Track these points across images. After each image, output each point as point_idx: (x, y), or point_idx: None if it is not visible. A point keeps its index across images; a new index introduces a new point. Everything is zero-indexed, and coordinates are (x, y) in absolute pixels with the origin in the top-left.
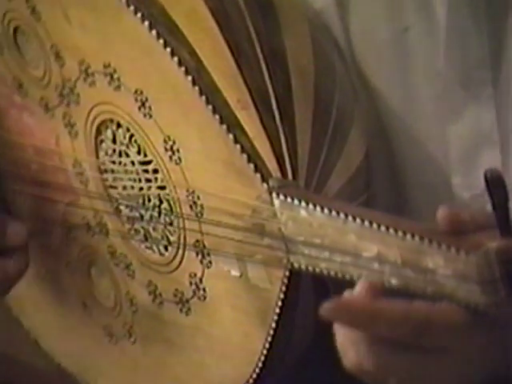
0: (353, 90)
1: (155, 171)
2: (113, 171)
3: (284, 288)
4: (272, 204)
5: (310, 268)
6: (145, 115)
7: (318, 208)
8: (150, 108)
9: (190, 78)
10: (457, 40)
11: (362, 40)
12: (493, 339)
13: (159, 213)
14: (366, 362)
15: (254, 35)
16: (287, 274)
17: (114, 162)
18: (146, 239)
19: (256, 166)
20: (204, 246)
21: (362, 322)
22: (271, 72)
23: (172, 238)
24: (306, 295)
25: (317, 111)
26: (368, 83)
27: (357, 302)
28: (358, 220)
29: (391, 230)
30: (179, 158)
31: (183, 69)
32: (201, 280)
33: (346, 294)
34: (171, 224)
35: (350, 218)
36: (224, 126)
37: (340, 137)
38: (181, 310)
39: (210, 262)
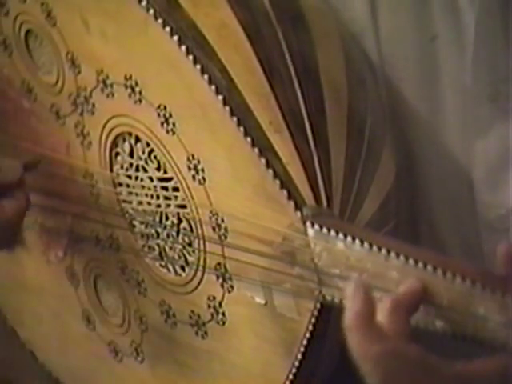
0: (382, 106)
1: (175, 189)
2: (128, 185)
3: (314, 320)
4: (305, 233)
5: (345, 303)
6: (168, 131)
7: (358, 241)
8: (173, 124)
9: (220, 97)
10: (484, 52)
11: (390, 49)
12: None
13: (177, 232)
14: None
15: (287, 50)
16: (318, 306)
17: (129, 177)
18: (162, 257)
19: (289, 193)
20: (226, 270)
21: None
22: (304, 91)
23: (190, 259)
24: (334, 328)
25: (350, 133)
26: (395, 95)
27: None
28: (401, 257)
29: (439, 271)
30: (203, 178)
31: (214, 87)
32: (220, 304)
33: None
34: (190, 244)
35: (392, 254)
36: (256, 149)
37: (373, 159)
38: (196, 333)
39: (232, 287)
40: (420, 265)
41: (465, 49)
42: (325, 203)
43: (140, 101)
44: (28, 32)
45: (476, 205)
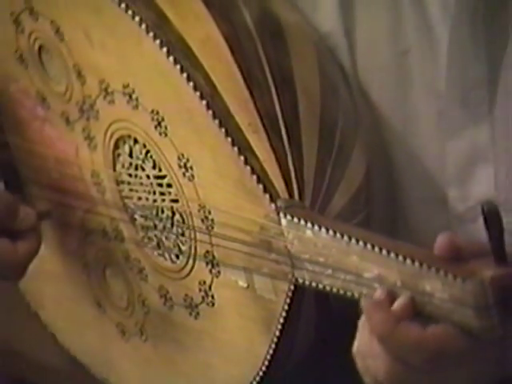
0: (355, 112)
1: (169, 185)
2: (129, 183)
3: (288, 300)
4: (279, 223)
5: (314, 284)
6: (160, 133)
7: (323, 229)
8: (165, 127)
9: (204, 102)
10: (457, 61)
11: (366, 61)
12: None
13: (172, 224)
14: (385, 378)
15: (265, 61)
16: (292, 287)
17: (130, 175)
18: (159, 247)
19: (265, 187)
20: (213, 257)
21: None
22: (280, 97)
23: (183, 248)
24: (308, 307)
25: (322, 134)
26: (371, 102)
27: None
28: (360, 243)
29: (392, 255)
30: (192, 175)
31: (198, 93)
32: (210, 287)
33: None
34: (183, 235)
35: (353, 240)
36: (235, 148)
37: (343, 158)
38: (190, 314)
39: (219, 272)
40: (376, 249)
41: (437, 60)
42: (297, 196)
43: (137, 106)
44: (40, 47)
45: (447, 199)
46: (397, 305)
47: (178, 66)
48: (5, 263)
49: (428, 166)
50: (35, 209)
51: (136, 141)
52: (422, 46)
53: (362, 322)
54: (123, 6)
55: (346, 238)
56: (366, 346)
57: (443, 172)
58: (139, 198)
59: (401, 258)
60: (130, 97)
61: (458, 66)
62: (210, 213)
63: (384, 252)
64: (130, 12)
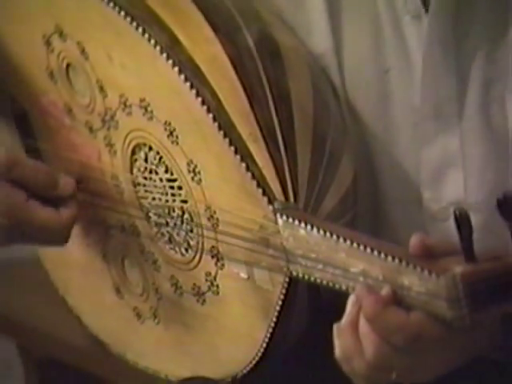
0: (343, 125)
1: (179, 188)
2: (144, 185)
3: (284, 291)
4: (276, 223)
5: (306, 276)
6: (172, 142)
7: (315, 229)
8: (177, 136)
9: (211, 115)
10: (430, 80)
11: (352, 79)
12: (469, 340)
13: (182, 221)
14: (374, 364)
15: (265, 79)
16: (287, 279)
17: (145, 178)
18: (171, 242)
19: (264, 191)
20: (218, 252)
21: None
22: (278, 111)
23: (192, 243)
24: (302, 297)
25: (314, 144)
26: (357, 115)
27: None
28: (347, 241)
29: (375, 252)
30: (200, 179)
31: (206, 107)
32: (215, 278)
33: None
34: (191, 231)
35: (341, 239)
36: (238, 156)
37: (333, 165)
38: (197, 301)
39: (223, 265)
40: (361, 247)
41: (413, 78)
42: (292, 199)
43: (151, 118)
44: (68, 65)
45: (422, 199)
46: (384, 292)
47: (188, 83)
48: (52, 229)
49: (406, 171)
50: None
51: (151, 148)
52: (400, 67)
53: (341, 326)
54: (140, 30)
55: (334, 237)
56: (350, 340)
57: (419, 176)
58: (153, 199)
59: (383, 255)
60: (146, 109)
61: (431, 84)
62: (215, 212)
63: (368, 250)
64: (146, 35)
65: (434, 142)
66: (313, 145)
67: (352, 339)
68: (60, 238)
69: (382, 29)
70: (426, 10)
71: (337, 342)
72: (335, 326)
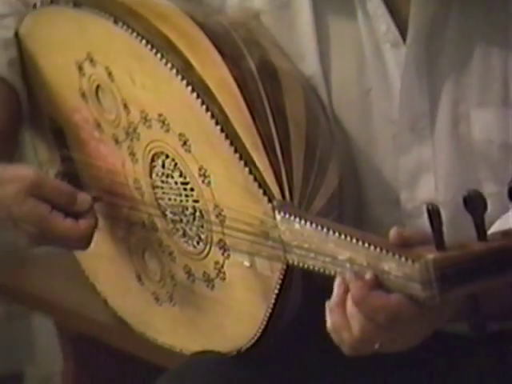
0: (331, 136)
1: (192, 189)
2: (161, 187)
3: (281, 276)
4: (274, 218)
5: (301, 264)
6: (186, 150)
7: (308, 223)
8: (189, 146)
9: (218, 127)
10: (407, 99)
11: (338, 98)
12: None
13: (194, 218)
14: (360, 338)
15: (264, 97)
16: (284, 267)
17: (162, 181)
18: (184, 236)
19: (264, 191)
20: (225, 244)
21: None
22: (276, 124)
23: (202, 236)
24: (297, 282)
25: (307, 153)
26: (343, 128)
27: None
28: (336, 233)
29: (360, 242)
30: (209, 182)
31: (214, 120)
32: (222, 266)
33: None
34: (202, 226)
35: (330, 231)
36: (242, 162)
37: (322, 170)
38: (207, 286)
39: (229, 255)
40: (348, 238)
41: (392, 96)
42: (288, 198)
43: (168, 130)
44: (97, 86)
45: (400, 200)
46: (367, 276)
47: (199, 100)
48: (72, 238)
49: (385, 176)
50: (90, 194)
51: (167, 156)
52: (380, 87)
53: (331, 304)
54: (159, 55)
55: (325, 229)
56: (339, 317)
57: (397, 180)
58: (169, 199)
59: (366, 244)
60: (163, 123)
61: (407, 102)
62: (222, 210)
63: (354, 240)
64: (163, 60)
65: (409, 152)
66: (305, 153)
67: (340, 317)
68: (80, 244)
69: (365, 55)
70: (404, 40)
71: (328, 318)
72: (327, 304)
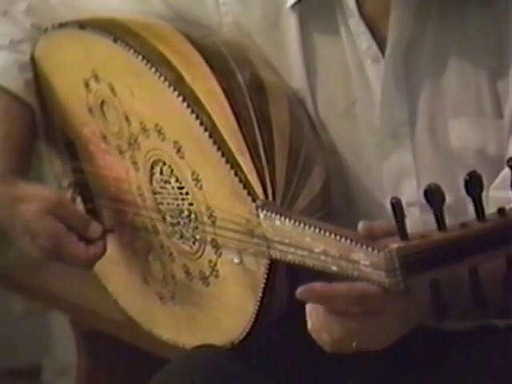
0: (317, 142)
1: (187, 193)
2: (161, 193)
3: (267, 271)
4: (258, 216)
5: (283, 258)
6: (180, 157)
7: (287, 220)
8: (183, 152)
9: (207, 133)
10: (388, 108)
11: (325, 109)
12: (407, 305)
13: (189, 220)
14: (338, 336)
15: (251, 106)
16: (268, 262)
17: (161, 187)
18: (182, 237)
19: (249, 192)
20: (217, 243)
21: (322, 300)
22: (261, 131)
23: (197, 237)
24: (282, 276)
25: (290, 158)
26: (330, 137)
27: (317, 286)
28: (311, 228)
29: (332, 235)
30: (201, 185)
31: (203, 127)
32: (215, 264)
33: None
34: (197, 228)
35: (306, 226)
36: (228, 165)
37: (305, 173)
38: (203, 283)
39: (221, 253)
40: (322, 232)
41: (374, 107)
42: (271, 198)
43: (164, 139)
44: (102, 101)
45: (385, 200)
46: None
47: (190, 109)
48: (80, 258)
49: (371, 180)
50: (103, 223)
51: (164, 163)
52: (364, 99)
53: (309, 307)
54: (153, 69)
55: (302, 225)
56: (317, 320)
57: (381, 183)
58: (168, 203)
59: (338, 237)
60: (160, 132)
61: (388, 111)
62: (213, 211)
63: (327, 234)
64: (158, 73)
65: (391, 157)
66: (288, 158)
67: (319, 319)
68: (84, 266)
69: (349, 69)
70: (383, 55)
71: (308, 321)
72: (306, 306)
